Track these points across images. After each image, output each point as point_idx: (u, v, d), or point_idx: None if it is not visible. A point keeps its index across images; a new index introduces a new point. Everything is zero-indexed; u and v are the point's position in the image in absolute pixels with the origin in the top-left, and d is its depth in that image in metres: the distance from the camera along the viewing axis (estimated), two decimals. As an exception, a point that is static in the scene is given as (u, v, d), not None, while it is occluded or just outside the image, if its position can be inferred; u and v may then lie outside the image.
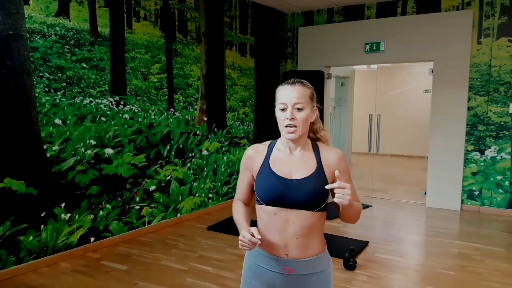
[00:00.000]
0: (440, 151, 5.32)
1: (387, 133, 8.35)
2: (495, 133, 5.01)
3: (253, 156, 1.41)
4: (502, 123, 4.95)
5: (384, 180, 7.12)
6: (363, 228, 4.47)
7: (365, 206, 5.41)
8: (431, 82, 5.43)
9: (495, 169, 5.04)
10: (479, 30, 4.99)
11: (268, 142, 1.44)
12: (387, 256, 3.54)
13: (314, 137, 1.44)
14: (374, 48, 5.63)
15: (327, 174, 1.34)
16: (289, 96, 1.31)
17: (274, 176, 1.32)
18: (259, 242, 1.21)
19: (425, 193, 5.51)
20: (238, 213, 1.42)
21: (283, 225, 1.31)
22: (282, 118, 1.32)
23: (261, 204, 1.34)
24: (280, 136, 1.40)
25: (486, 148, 5.08)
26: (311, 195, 1.30)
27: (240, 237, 1.24)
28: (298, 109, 1.31)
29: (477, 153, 5.14)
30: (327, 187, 1.26)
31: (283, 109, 1.32)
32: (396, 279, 3.08)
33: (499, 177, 5.01)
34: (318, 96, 5.15)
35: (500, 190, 5.02)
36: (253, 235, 1.21)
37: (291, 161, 1.35)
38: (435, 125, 5.35)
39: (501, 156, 5.00)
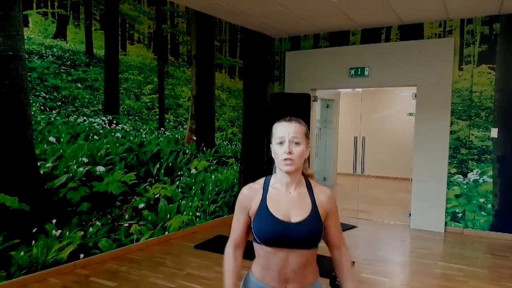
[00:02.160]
0: (423, 174, 5.59)
1: (372, 154, 8.66)
2: (477, 156, 5.31)
3: (249, 196, 1.46)
4: (484, 147, 5.26)
5: (369, 201, 7.35)
6: (349, 248, 4.68)
7: (351, 227, 5.65)
8: (414, 105, 5.79)
9: (477, 191, 5.31)
10: (460, 57, 5.35)
11: (261, 181, 1.50)
12: (373, 276, 3.71)
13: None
14: (359, 73, 6.01)
15: (321, 213, 1.45)
16: (286, 131, 1.41)
17: (273, 219, 1.39)
18: None
19: (410, 214, 5.77)
20: (228, 263, 1.51)
21: (283, 263, 1.40)
22: (279, 152, 1.40)
23: (259, 243, 1.42)
24: (273, 173, 1.50)
25: (469, 171, 5.36)
26: (309, 236, 1.40)
27: None
28: (295, 143, 1.41)
29: (460, 176, 5.42)
30: None
31: (280, 143, 1.41)
32: None
33: (481, 200, 5.29)
34: (304, 118, 5.52)
35: (483, 213, 5.28)
36: None
37: (287, 200, 1.43)
38: (419, 148, 5.64)
39: (483, 179, 5.29)
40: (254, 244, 1.46)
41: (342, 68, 6.13)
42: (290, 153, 1.38)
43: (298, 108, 5.98)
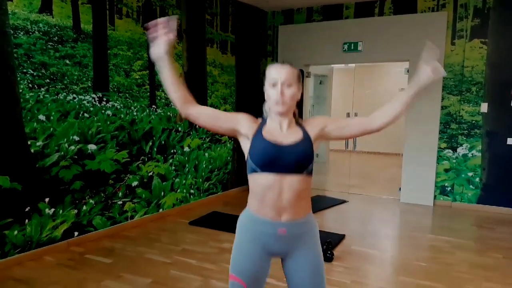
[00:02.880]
0: (414, 149, 5.69)
1: (364, 130, 8.73)
2: (467, 131, 5.40)
3: (248, 120, 1.56)
4: (473, 121, 5.34)
5: (361, 177, 7.47)
6: (340, 222, 4.79)
7: (341, 202, 5.75)
8: (407, 81, 5.80)
9: (466, 166, 5.43)
10: (453, 31, 5.34)
11: (259, 119, 1.60)
12: (363, 249, 3.81)
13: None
14: (352, 48, 5.96)
15: (312, 137, 1.55)
16: (279, 74, 1.49)
17: (267, 143, 1.49)
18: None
19: (400, 189, 5.91)
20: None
21: (278, 196, 1.49)
22: (272, 93, 1.50)
23: (256, 171, 1.50)
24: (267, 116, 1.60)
25: (458, 146, 5.46)
26: (301, 156, 1.49)
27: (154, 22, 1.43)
28: (287, 85, 1.49)
29: (450, 150, 5.52)
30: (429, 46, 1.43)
31: (273, 85, 1.49)
32: (371, 270, 3.35)
33: (470, 174, 5.41)
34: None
35: (471, 186, 5.41)
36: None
37: (280, 134, 1.53)
38: (410, 123, 5.71)
39: (472, 154, 5.40)
40: (249, 178, 1.55)
41: (335, 43, 6.08)
42: (282, 94, 1.46)
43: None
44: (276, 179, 1.48)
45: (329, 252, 3.48)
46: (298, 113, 1.63)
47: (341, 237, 4.10)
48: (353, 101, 7.42)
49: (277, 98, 1.47)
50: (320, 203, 5.63)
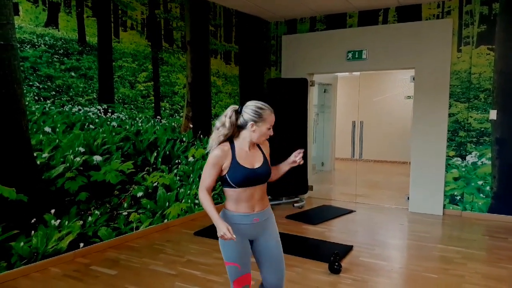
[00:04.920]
0: (422, 157, 5.66)
1: (370, 139, 8.71)
2: (475, 139, 5.36)
3: (222, 155, 2.03)
4: (482, 129, 5.31)
5: (368, 186, 7.43)
6: (348, 232, 4.77)
7: (349, 211, 5.73)
8: (412, 88, 5.80)
9: (476, 174, 5.38)
10: (459, 38, 5.35)
11: (227, 145, 2.06)
12: (371, 260, 3.78)
13: None
14: (356, 56, 6.01)
15: (267, 158, 2.18)
16: (273, 120, 2.10)
17: (244, 168, 2.04)
18: (234, 238, 1.93)
19: (408, 198, 5.87)
20: (210, 203, 2.02)
21: (250, 196, 2.07)
22: (267, 133, 2.09)
23: (234, 187, 2.04)
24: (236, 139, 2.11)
25: (467, 153, 5.41)
26: (266, 175, 2.11)
27: (224, 231, 1.92)
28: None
29: (459, 158, 5.48)
30: (296, 159, 2.18)
31: (269, 128, 2.08)
32: (380, 282, 3.31)
33: (480, 182, 5.36)
34: (302, 103, 5.58)
35: (481, 195, 5.36)
36: (229, 231, 1.93)
37: (249, 155, 2.09)
38: (417, 131, 5.69)
39: (482, 162, 5.36)
40: (227, 189, 2.08)
41: (339, 51, 6.13)
42: (271, 134, 2.11)
43: (295, 93, 6.00)
44: (248, 189, 2.06)
45: (336, 264, 3.45)
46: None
47: (349, 248, 4.07)
48: (358, 110, 7.44)
49: (267, 137, 2.11)
50: (327, 213, 5.62)
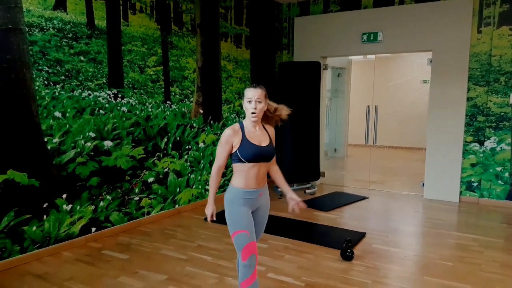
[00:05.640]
0: (438, 142, 5.55)
1: (385, 124, 8.59)
2: (495, 124, 5.23)
3: (233, 134, 2.27)
4: (502, 113, 5.17)
5: (381, 172, 7.35)
6: (360, 219, 4.72)
7: (361, 198, 5.68)
8: (429, 72, 5.65)
9: (494, 160, 5.26)
10: (479, 19, 5.17)
11: (237, 125, 2.32)
12: (385, 247, 3.74)
13: (272, 115, 2.42)
14: (372, 38, 5.86)
15: (272, 140, 2.40)
16: (253, 94, 2.26)
17: (253, 145, 2.28)
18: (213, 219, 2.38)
19: (423, 184, 5.77)
20: (215, 184, 2.36)
21: (256, 172, 2.32)
22: (248, 107, 2.27)
23: (243, 162, 2.28)
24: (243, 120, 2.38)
25: (486, 139, 5.29)
26: (271, 154, 2.36)
27: (210, 213, 2.38)
28: (258, 102, 2.26)
29: (476, 144, 5.36)
30: (289, 212, 2.54)
31: (249, 102, 2.26)
32: (393, 269, 3.27)
33: (498, 169, 5.25)
34: (315, 87, 5.48)
35: (499, 182, 5.25)
36: (212, 217, 2.38)
37: (256, 135, 2.32)
38: (433, 116, 5.57)
39: (501, 147, 5.23)
40: (236, 165, 2.30)
41: (354, 33, 5.99)
42: (255, 109, 2.25)
43: (308, 77, 5.89)
44: (256, 165, 2.30)
45: (349, 250, 3.42)
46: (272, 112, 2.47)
47: (362, 235, 4.04)
48: (373, 94, 7.30)
49: (251, 111, 2.27)
50: (339, 200, 5.57)
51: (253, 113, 2.26)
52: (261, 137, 2.33)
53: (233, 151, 2.27)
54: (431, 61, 5.57)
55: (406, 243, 3.95)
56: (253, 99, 2.24)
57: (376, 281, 3.05)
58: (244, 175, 2.30)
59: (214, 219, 2.36)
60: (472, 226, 4.43)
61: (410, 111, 9.94)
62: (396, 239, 4.02)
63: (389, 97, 9.89)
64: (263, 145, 2.31)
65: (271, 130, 2.44)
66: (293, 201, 2.47)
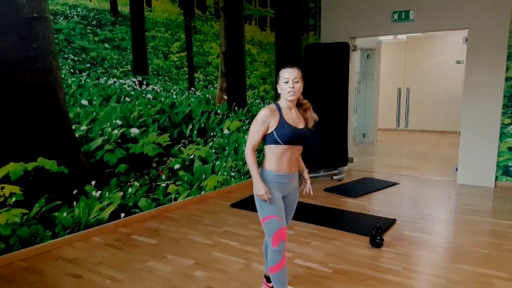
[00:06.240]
0: (473, 125, 5.32)
1: (417, 107, 8.29)
2: (535, 105, 4.97)
3: (270, 114, 2.21)
4: (542, 94, 4.91)
5: (413, 157, 7.14)
6: (390, 206, 4.59)
7: (392, 184, 5.52)
8: (464, 52, 5.37)
9: (534, 143, 5.02)
10: (519, -8, 4.88)
11: (273, 105, 2.26)
12: (416, 234, 3.63)
13: (302, 111, 2.35)
14: (403, 17, 5.60)
15: (308, 125, 2.34)
16: (290, 74, 2.20)
17: (290, 127, 2.22)
18: (268, 200, 2.22)
19: (456, 169, 5.55)
20: (254, 162, 2.24)
21: (290, 155, 2.26)
22: (286, 87, 2.21)
23: (279, 144, 2.21)
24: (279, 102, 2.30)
25: (525, 121, 5.06)
26: (306, 137, 2.30)
27: (263, 192, 2.19)
28: (296, 82, 2.20)
29: (515, 126, 5.12)
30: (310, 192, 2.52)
31: (286, 82, 2.20)
32: (424, 257, 3.17)
33: (538, 152, 5.01)
34: (343, 69, 5.30)
35: (538, 166, 5.02)
36: (267, 193, 2.20)
37: (292, 117, 2.27)
38: (469, 97, 5.33)
39: (540, 130, 4.98)
40: (270, 147, 2.25)
41: (384, 12, 5.75)
42: (293, 87, 2.20)
43: (336, 59, 5.70)
44: (290, 148, 2.25)
45: (378, 237, 3.34)
46: (303, 98, 2.40)
47: (392, 221, 3.93)
48: (404, 76, 7.03)
49: (289, 90, 2.20)
50: (368, 186, 5.44)
51: (290, 91, 2.19)
52: (296, 119, 2.28)
53: (269, 132, 2.21)
54: (466, 40, 5.28)
55: (438, 230, 3.81)
56: (290, 79, 2.19)
57: (407, 268, 2.96)
58: (277, 158, 2.24)
59: (269, 197, 2.21)
60: (508, 212, 4.24)
61: (444, 93, 9.56)
62: (428, 225, 3.89)
63: (421, 80, 9.53)
64: (299, 127, 2.26)
65: (311, 116, 2.36)
66: (304, 183, 2.51)
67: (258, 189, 2.20)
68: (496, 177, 5.27)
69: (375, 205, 4.63)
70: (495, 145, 5.20)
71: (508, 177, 5.22)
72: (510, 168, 5.20)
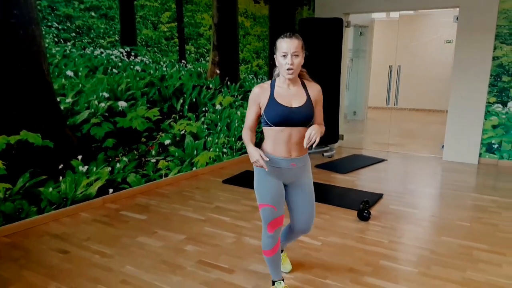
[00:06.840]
0: (460, 104, 5.21)
1: (407, 86, 8.17)
2: (519, 84, 4.86)
3: (260, 93, 1.93)
4: (528, 73, 4.80)
5: (401, 135, 7.08)
6: (378, 181, 4.50)
7: (380, 160, 5.41)
8: (454, 31, 5.20)
9: (517, 122, 4.95)
10: (510, -28, 4.69)
11: (268, 82, 1.97)
12: (402, 208, 3.58)
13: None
14: (396, -6, 5.36)
15: (313, 101, 1.97)
16: (288, 47, 1.82)
17: (280, 106, 1.89)
18: (267, 159, 1.85)
19: (443, 146, 5.48)
20: (248, 137, 1.97)
21: (288, 138, 1.93)
22: (283, 63, 1.84)
23: (270, 126, 1.92)
24: (277, 77, 1.98)
25: (510, 100, 4.96)
26: (305, 117, 1.92)
27: (257, 157, 1.83)
28: (295, 55, 1.83)
29: (499, 105, 5.03)
30: (304, 145, 1.83)
31: (284, 56, 1.83)
32: (410, 230, 3.13)
33: (520, 130, 4.94)
34: (336, 45, 5.00)
35: (520, 143, 4.96)
36: (262, 157, 1.83)
37: (289, 94, 1.92)
38: (457, 76, 5.19)
39: (524, 109, 4.90)
40: (265, 128, 1.97)
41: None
42: (292, 64, 1.83)
43: (329, 35, 5.44)
44: (286, 130, 1.92)
45: (366, 211, 3.30)
46: (307, 73, 2.05)
47: (379, 196, 3.86)
48: (396, 54, 6.84)
49: (288, 67, 1.84)
50: (357, 162, 5.32)
51: (289, 69, 1.83)
52: (293, 96, 1.91)
53: (262, 112, 1.93)
54: (457, 18, 5.09)
55: (423, 205, 3.75)
56: (288, 52, 1.81)
57: (392, 241, 2.91)
58: (272, 141, 1.95)
59: (267, 159, 1.85)
60: (491, 188, 4.22)
61: (433, 72, 9.44)
62: (414, 200, 3.83)
63: (411, 58, 9.37)
64: (294, 106, 1.89)
65: (314, 88, 1.99)
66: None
67: (252, 156, 1.85)
68: (480, 154, 5.21)
69: (363, 180, 4.52)
70: (480, 123, 5.13)
71: (491, 154, 5.18)
72: (493, 146, 5.14)
